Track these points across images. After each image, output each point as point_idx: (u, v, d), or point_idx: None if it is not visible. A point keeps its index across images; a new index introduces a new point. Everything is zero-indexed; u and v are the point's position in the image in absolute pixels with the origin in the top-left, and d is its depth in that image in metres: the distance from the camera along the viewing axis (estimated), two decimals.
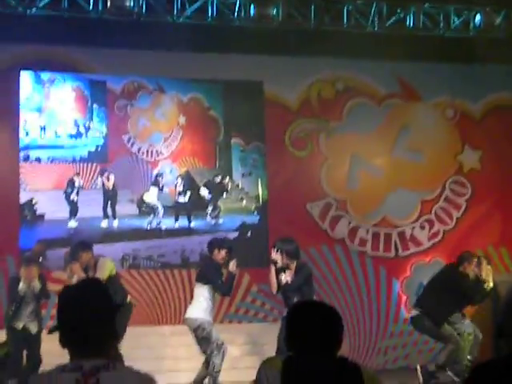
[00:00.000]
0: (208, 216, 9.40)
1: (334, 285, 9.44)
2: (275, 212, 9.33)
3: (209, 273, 6.91)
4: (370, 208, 9.68)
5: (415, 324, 7.33)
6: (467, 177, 9.97)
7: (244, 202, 9.54)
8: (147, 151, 9.33)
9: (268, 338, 7.11)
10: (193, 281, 7.54)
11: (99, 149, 9.19)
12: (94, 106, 9.23)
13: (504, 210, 9.92)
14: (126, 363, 2.13)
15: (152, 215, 9.22)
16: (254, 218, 9.50)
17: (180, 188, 9.37)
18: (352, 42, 8.57)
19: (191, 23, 8.52)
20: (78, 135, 9.14)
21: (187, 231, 9.32)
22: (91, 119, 9.21)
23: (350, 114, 9.73)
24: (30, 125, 8.96)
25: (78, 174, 9.05)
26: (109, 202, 9.11)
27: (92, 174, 9.13)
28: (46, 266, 8.16)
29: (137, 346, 7.95)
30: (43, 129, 9.02)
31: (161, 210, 9.23)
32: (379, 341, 9.46)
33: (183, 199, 9.37)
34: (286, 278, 6.49)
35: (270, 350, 6.52)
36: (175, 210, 9.34)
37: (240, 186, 9.57)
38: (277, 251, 6.53)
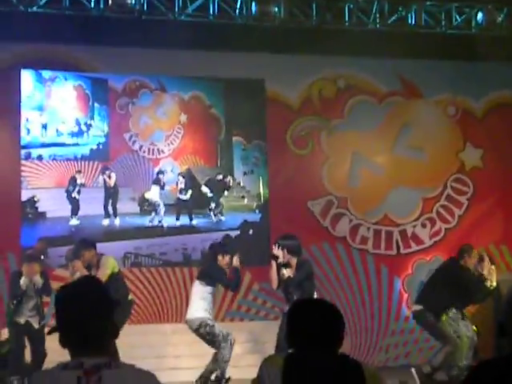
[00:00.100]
0: (210, 214, 9.41)
1: (335, 283, 9.44)
2: (276, 210, 9.33)
3: (214, 273, 6.93)
4: (371, 206, 9.68)
5: (417, 319, 7.33)
6: (469, 175, 9.97)
7: (245, 200, 9.54)
8: (149, 149, 9.34)
9: (269, 336, 7.10)
10: (194, 279, 7.53)
11: (101, 147, 9.20)
12: (96, 104, 9.23)
13: (506, 208, 9.91)
14: (127, 361, 2.12)
15: (153, 213, 9.23)
16: (255, 216, 9.50)
17: (181, 186, 9.38)
18: (353, 39, 8.56)
19: (192, 21, 8.51)
20: (80, 133, 9.15)
21: (189, 229, 9.32)
22: (92, 118, 9.21)
23: (352, 111, 9.73)
24: (31, 123, 8.97)
25: (79, 171, 9.06)
26: (110, 200, 9.12)
27: (93, 172, 9.14)
28: (47, 264, 8.17)
29: (138, 344, 7.96)
30: (45, 127, 9.02)
31: (162, 208, 9.24)
32: (380, 339, 9.47)
33: (185, 197, 9.38)
34: (287, 272, 6.49)
35: (272, 348, 6.53)
36: (177, 208, 9.35)
37: (241, 185, 9.57)
38: (278, 247, 6.54)
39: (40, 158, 8.97)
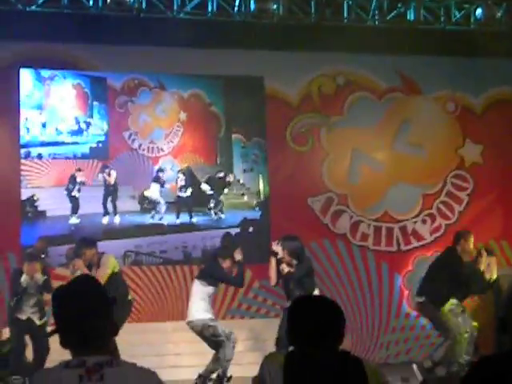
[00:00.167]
0: (210, 212, 9.40)
1: (335, 279, 9.44)
2: (277, 207, 9.33)
3: (216, 272, 6.91)
4: (371, 202, 9.68)
5: (420, 310, 7.34)
6: (469, 171, 9.97)
7: (245, 197, 9.54)
8: (148, 148, 9.33)
9: (270, 333, 7.11)
10: (194, 278, 7.52)
11: (100, 145, 9.19)
12: (95, 102, 9.22)
13: (506, 204, 9.91)
14: (128, 360, 2.12)
15: (153, 211, 9.22)
16: (255, 214, 9.50)
17: (181, 183, 9.37)
18: (353, 36, 8.55)
19: (191, 19, 8.51)
20: (79, 132, 9.14)
21: (189, 227, 9.32)
22: (92, 116, 9.21)
23: (351, 108, 9.72)
24: (30, 122, 8.96)
25: (79, 170, 9.05)
26: (109, 198, 9.12)
27: (93, 170, 9.14)
28: (47, 263, 8.16)
29: (138, 342, 7.97)
30: (44, 126, 9.02)
31: (164, 206, 9.23)
32: (381, 335, 9.47)
33: (185, 194, 9.37)
34: (287, 268, 6.49)
35: (272, 346, 6.54)
36: (177, 205, 9.34)
37: (241, 182, 9.57)
38: (278, 244, 6.54)
39: (40, 156, 8.97)
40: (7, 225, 8.53)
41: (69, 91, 9.15)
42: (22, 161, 8.87)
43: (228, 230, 9.29)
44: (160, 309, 9.04)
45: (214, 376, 6.87)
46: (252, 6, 8.32)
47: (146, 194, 9.25)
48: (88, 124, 9.18)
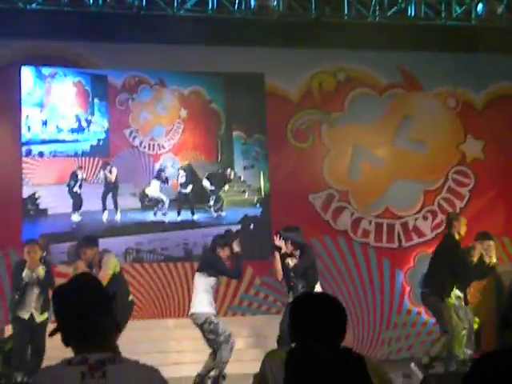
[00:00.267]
0: (210, 209, 9.41)
1: (337, 276, 9.44)
2: (277, 204, 9.33)
3: (214, 263, 6.87)
4: (372, 199, 9.67)
5: (422, 300, 7.34)
6: (470, 167, 9.96)
7: (246, 194, 9.54)
8: (149, 145, 9.33)
9: (271, 330, 7.11)
10: (195, 272, 7.51)
11: (101, 143, 9.20)
12: (96, 100, 9.23)
13: (507, 199, 9.90)
14: (130, 357, 2.13)
15: (155, 208, 9.23)
16: (256, 211, 9.50)
17: (182, 179, 9.38)
18: (353, 32, 8.55)
19: (191, 16, 8.50)
20: (80, 130, 9.14)
21: (190, 224, 9.33)
22: (92, 114, 9.21)
23: (352, 104, 9.71)
24: (31, 120, 8.97)
25: (80, 167, 9.06)
26: (110, 194, 9.12)
27: (94, 168, 9.14)
28: (49, 261, 8.16)
29: (141, 339, 7.98)
30: (45, 124, 9.02)
31: (166, 202, 9.23)
32: (383, 332, 9.47)
33: (186, 190, 9.37)
34: (292, 262, 6.50)
35: (274, 343, 6.54)
36: (178, 203, 9.35)
37: (242, 179, 9.57)
38: (280, 238, 6.54)
39: (41, 154, 8.97)
40: (9, 223, 8.53)
41: (69, 89, 9.16)
42: (24, 159, 8.88)
43: (229, 227, 9.28)
44: (162, 306, 9.05)
45: (211, 374, 6.86)
46: (252, 3, 8.31)
47: (147, 191, 9.25)
48: (89, 122, 9.18)
